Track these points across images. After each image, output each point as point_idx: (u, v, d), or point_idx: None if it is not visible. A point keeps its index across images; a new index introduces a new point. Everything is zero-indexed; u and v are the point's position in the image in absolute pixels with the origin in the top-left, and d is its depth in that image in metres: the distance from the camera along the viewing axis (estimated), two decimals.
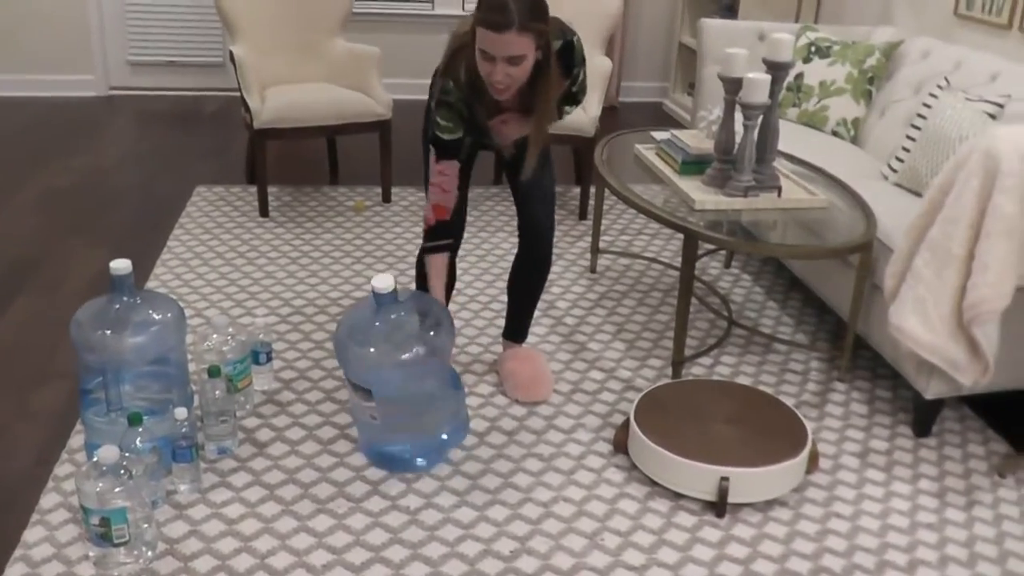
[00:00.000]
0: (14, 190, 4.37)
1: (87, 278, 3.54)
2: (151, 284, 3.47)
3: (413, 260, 3.68)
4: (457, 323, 3.26)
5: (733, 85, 2.94)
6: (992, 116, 3.17)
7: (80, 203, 4.26)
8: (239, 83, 4.10)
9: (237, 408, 2.72)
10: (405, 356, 2.38)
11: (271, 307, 3.36)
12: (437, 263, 2.64)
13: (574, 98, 2.68)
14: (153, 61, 6.20)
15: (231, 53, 4.15)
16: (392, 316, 2.42)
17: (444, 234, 2.62)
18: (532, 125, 2.55)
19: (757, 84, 2.81)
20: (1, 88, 6.03)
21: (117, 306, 2.40)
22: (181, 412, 2.36)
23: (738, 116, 2.97)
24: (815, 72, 4.07)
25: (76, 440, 2.58)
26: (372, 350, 2.39)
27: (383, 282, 2.38)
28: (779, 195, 2.95)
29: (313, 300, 3.42)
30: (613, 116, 6.16)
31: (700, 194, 2.96)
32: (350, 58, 4.40)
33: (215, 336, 2.70)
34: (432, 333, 2.44)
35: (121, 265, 2.38)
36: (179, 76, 6.26)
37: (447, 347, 2.49)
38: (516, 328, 3.00)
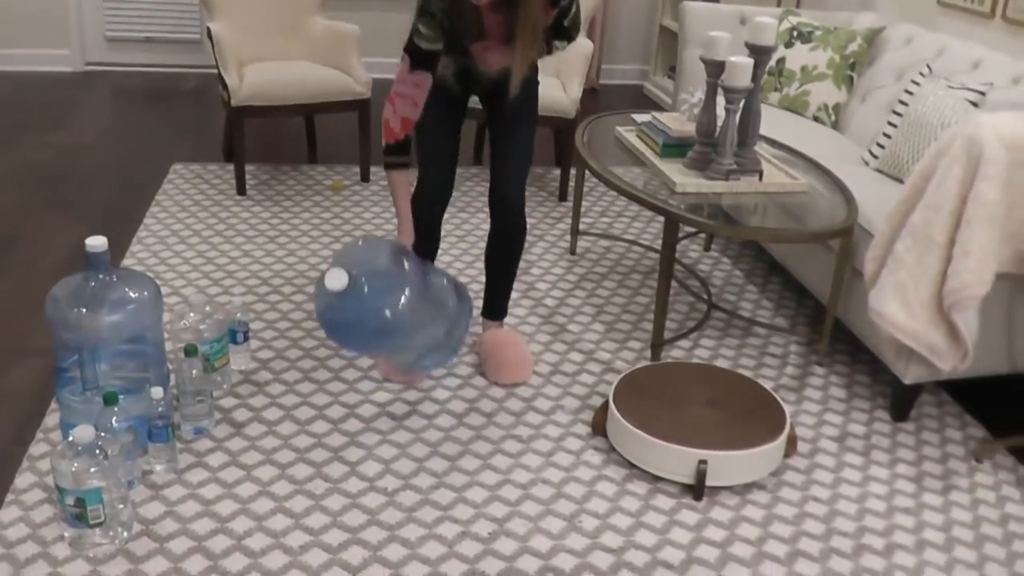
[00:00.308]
0: None
1: (63, 255, 3.49)
2: (127, 262, 3.43)
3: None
4: None
5: (715, 68, 2.93)
6: (974, 104, 3.18)
7: (56, 179, 4.20)
8: (216, 60, 4.05)
9: (214, 388, 2.69)
10: (388, 314, 2.35)
11: (248, 286, 3.33)
12: (402, 180, 2.56)
13: (567, 33, 2.56)
14: (130, 37, 6.12)
15: (208, 30, 4.09)
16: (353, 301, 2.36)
17: (408, 150, 2.54)
18: (515, 50, 2.44)
19: (739, 68, 2.80)
20: None
21: (93, 284, 2.36)
22: (157, 392, 2.34)
23: (720, 99, 2.96)
24: (797, 57, 4.07)
25: (51, 419, 2.55)
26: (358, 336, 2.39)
27: (335, 282, 2.31)
28: (760, 179, 2.95)
29: (291, 279, 3.39)
30: (594, 98, 6.14)
31: (681, 177, 2.95)
32: (329, 36, 4.35)
33: (192, 315, 2.67)
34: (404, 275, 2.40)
35: (97, 242, 2.35)
36: (156, 53, 6.19)
37: (421, 278, 2.44)
38: (495, 306, 2.97)
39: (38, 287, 3.24)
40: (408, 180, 2.59)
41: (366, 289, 2.34)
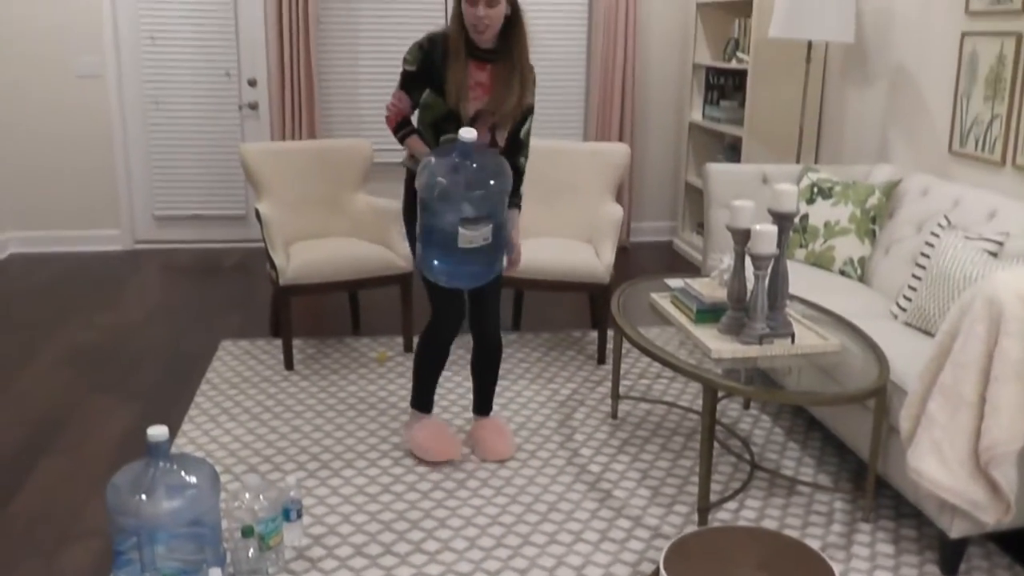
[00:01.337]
0: (39, 348, 4.50)
1: (113, 437, 3.61)
2: (180, 441, 3.55)
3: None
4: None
5: (741, 236, 3.07)
6: (993, 254, 3.28)
7: (105, 360, 4.38)
8: (264, 240, 4.26)
9: (268, 565, 2.75)
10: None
11: (299, 462, 3.42)
12: (414, 139, 3.22)
13: (521, 147, 3.29)
14: (178, 215, 6.43)
15: (257, 211, 4.32)
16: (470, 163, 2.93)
17: (407, 123, 3.22)
18: (505, 78, 3.17)
19: (764, 235, 2.93)
20: (28, 245, 6.26)
21: (153, 471, 2.47)
22: (215, 573, 2.40)
23: (748, 265, 3.09)
24: (819, 213, 4.22)
25: None
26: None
27: (468, 133, 2.90)
28: (792, 341, 3.04)
29: (340, 454, 3.48)
30: (625, 257, 6.32)
31: (716, 343, 3.06)
32: (371, 213, 4.57)
33: (247, 495, 2.75)
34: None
35: (158, 432, 2.46)
36: (203, 229, 6.48)
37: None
38: (481, 403, 3.59)
39: (89, 469, 3.36)
40: (417, 136, 3.24)
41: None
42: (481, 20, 3.01)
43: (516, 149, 3.28)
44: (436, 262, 2.98)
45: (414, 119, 3.27)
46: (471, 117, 3.16)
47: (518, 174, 3.27)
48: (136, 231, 6.45)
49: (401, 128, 3.23)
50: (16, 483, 3.27)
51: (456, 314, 3.33)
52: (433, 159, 2.94)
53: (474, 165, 2.91)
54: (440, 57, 3.11)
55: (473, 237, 2.92)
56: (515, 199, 3.24)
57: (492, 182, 2.93)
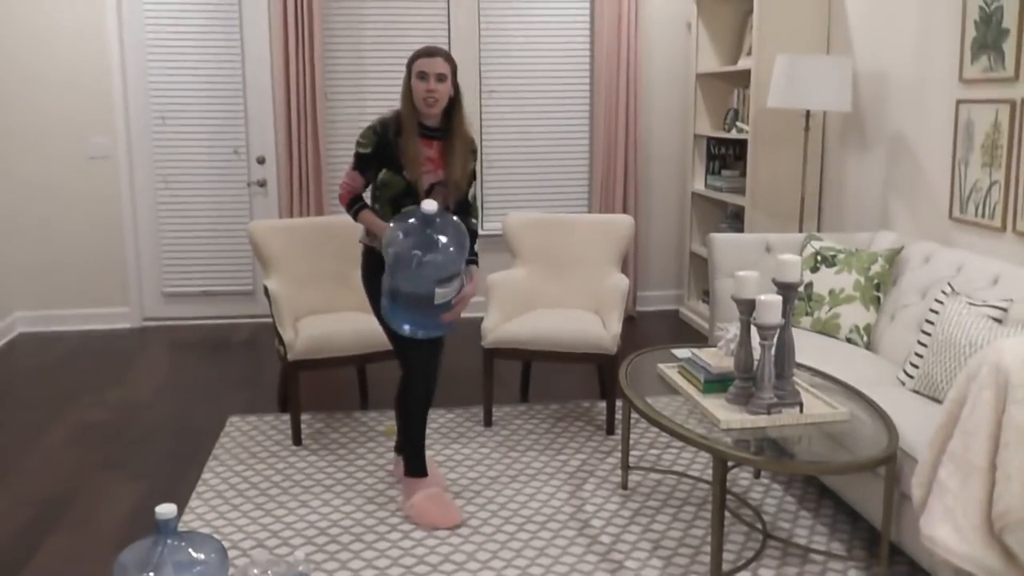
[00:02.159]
0: (46, 427, 4.51)
1: (121, 514, 3.60)
2: (187, 518, 3.54)
3: (444, 483, 3.78)
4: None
5: (747, 306, 3.09)
6: (997, 320, 3.30)
7: (113, 437, 4.38)
8: (273, 316, 4.30)
9: None
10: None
11: (307, 536, 3.40)
12: (366, 213, 3.53)
13: (471, 208, 3.66)
14: (186, 292, 6.49)
15: (265, 287, 4.36)
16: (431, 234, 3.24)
17: (359, 200, 3.55)
18: (452, 150, 3.53)
19: (770, 306, 2.96)
20: (36, 324, 6.31)
21: (161, 548, 2.46)
22: None
23: (754, 335, 3.11)
24: (824, 281, 4.25)
25: None
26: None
27: (430, 205, 3.20)
28: (801, 410, 3.05)
29: (348, 528, 3.47)
30: (631, 326, 6.34)
31: (725, 413, 3.06)
32: None
33: (255, 571, 2.73)
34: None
35: (166, 510, 2.46)
36: (211, 305, 6.53)
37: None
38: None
39: (96, 547, 3.34)
40: (369, 211, 3.54)
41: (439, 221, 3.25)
42: (432, 94, 3.41)
43: (467, 211, 3.65)
44: (407, 325, 3.31)
45: (366, 196, 3.59)
46: (426, 190, 3.50)
47: (473, 234, 3.58)
48: (145, 308, 6.49)
49: (353, 204, 3.56)
50: (22, 561, 3.25)
51: (430, 365, 3.60)
52: (400, 233, 3.24)
53: (439, 235, 3.23)
54: (394, 136, 3.47)
55: (448, 293, 3.30)
56: (472, 257, 3.53)
57: (457, 244, 3.27)
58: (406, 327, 3.30)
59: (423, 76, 3.41)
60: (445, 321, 3.34)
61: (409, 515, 3.53)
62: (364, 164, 3.52)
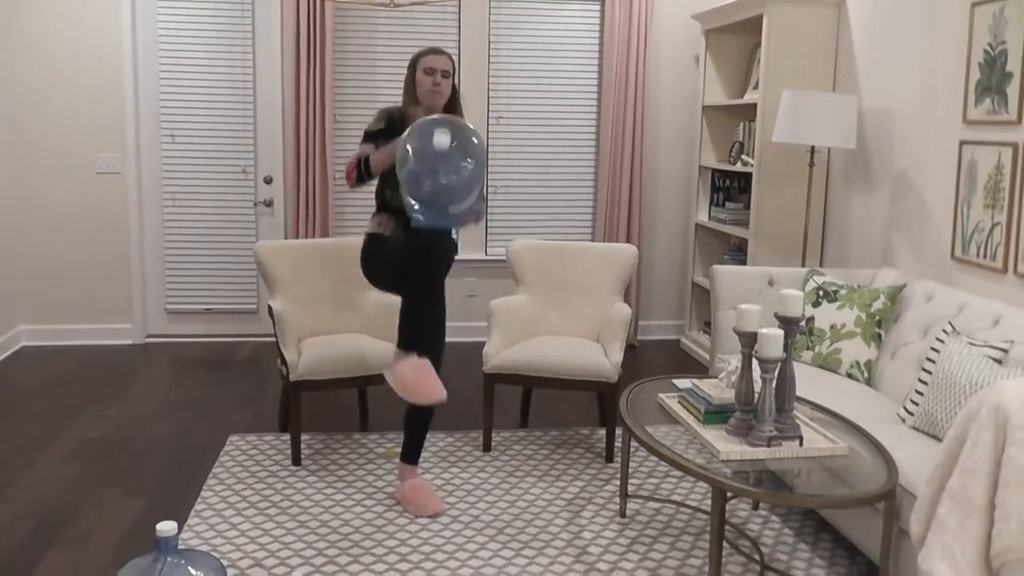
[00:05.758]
0: (47, 442, 4.52)
1: (120, 531, 3.61)
2: (186, 536, 3.54)
3: (443, 506, 3.79)
4: None
5: (748, 339, 3.11)
6: (998, 360, 3.32)
7: (114, 453, 4.39)
8: (276, 336, 4.32)
9: None
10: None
11: (305, 557, 3.41)
12: (378, 153, 3.71)
13: None
14: (190, 309, 6.51)
15: (269, 307, 4.39)
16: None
17: (365, 167, 3.73)
18: None
19: (771, 339, 2.98)
20: (40, 338, 6.33)
21: (160, 566, 2.47)
22: None
23: (755, 366, 3.13)
24: (825, 316, 4.27)
25: None
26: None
27: (443, 138, 3.45)
28: (801, 444, 3.06)
29: (346, 549, 3.47)
30: (633, 355, 6.36)
31: (725, 444, 3.08)
32: (381, 309, 4.63)
33: None
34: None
35: (167, 527, 2.47)
36: (214, 323, 6.55)
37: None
38: (411, 454, 3.92)
39: (94, 563, 3.35)
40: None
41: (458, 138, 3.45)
42: (439, 85, 3.76)
43: None
44: (419, 213, 3.44)
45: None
46: None
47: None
48: (148, 325, 6.51)
49: (359, 162, 3.75)
50: (22, 575, 3.27)
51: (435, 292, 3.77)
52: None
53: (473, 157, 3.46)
54: (399, 123, 3.78)
55: (469, 201, 3.51)
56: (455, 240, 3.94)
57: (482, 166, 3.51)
58: (418, 214, 3.43)
59: (430, 71, 3.75)
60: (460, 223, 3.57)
61: (393, 383, 3.62)
62: (374, 138, 3.80)
